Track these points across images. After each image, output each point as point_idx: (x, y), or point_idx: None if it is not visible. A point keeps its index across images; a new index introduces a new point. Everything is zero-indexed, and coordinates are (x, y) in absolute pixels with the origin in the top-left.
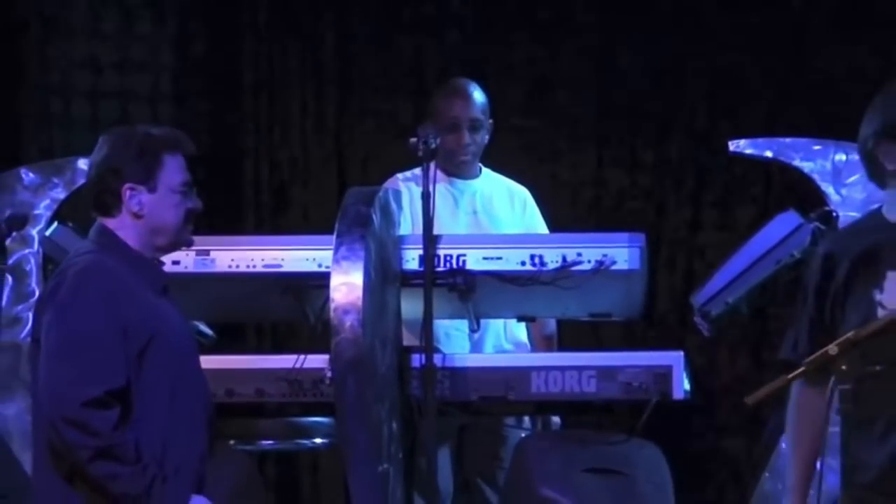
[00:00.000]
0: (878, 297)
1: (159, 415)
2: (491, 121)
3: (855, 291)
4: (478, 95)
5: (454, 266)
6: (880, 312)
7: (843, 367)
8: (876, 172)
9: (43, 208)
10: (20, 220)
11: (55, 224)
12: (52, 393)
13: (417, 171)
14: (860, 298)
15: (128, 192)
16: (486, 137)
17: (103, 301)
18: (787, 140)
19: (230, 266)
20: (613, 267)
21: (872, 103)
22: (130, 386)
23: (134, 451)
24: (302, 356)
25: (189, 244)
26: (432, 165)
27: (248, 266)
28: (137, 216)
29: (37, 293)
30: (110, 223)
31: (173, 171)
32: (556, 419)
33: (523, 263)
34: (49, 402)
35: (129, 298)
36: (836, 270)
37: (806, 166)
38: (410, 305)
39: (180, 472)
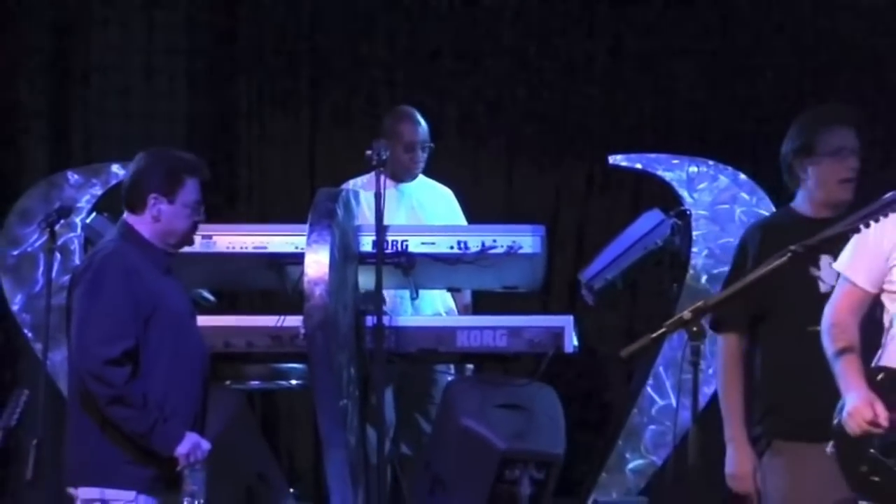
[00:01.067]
0: (815, 273)
1: (161, 369)
2: (431, 145)
3: (790, 272)
4: (425, 123)
5: (399, 249)
6: (821, 286)
7: (695, 329)
8: (792, 177)
9: (84, 202)
10: (67, 211)
11: (94, 214)
12: (81, 351)
13: (367, 176)
14: (799, 277)
15: (152, 200)
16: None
17: (121, 280)
18: (653, 155)
19: (228, 247)
20: (521, 251)
21: (792, 127)
22: (139, 346)
23: (142, 398)
24: (282, 317)
25: (191, 244)
26: (382, 172)
27: (241, 247)
28: (156, 219)
29: None
30: (133, 219)
31: (190, 191)
32: (469, 366)
33: (452, 247)
34: (78, 359)
35: (140, 278)
36: (771, 257)
37: (667, 176)
38: (365, 279)
39: (178, 414)
